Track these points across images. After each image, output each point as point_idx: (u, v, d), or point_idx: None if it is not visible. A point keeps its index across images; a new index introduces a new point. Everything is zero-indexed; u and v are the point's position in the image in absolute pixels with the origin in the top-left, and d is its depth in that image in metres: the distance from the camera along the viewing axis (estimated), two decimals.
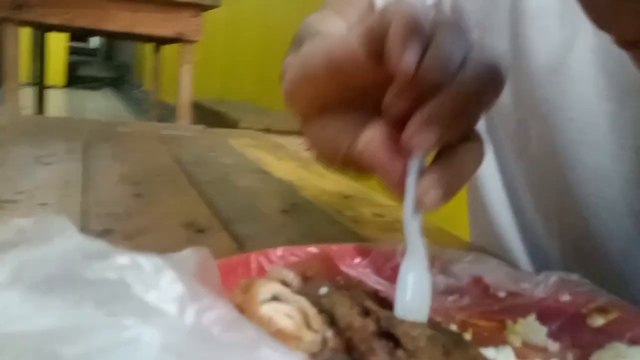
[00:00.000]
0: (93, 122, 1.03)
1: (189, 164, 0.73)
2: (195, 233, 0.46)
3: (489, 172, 0.47)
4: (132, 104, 6.30)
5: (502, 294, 0.31)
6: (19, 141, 0.78)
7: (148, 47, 2.62)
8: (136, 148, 0.85)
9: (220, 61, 4.15)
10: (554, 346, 0.28)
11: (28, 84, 3.04)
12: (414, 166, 0.27)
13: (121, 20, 1.59)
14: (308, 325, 0.22)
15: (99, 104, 6.48)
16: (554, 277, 0.31)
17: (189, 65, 1.69)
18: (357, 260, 0.34)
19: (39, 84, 2.51)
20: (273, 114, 2.55)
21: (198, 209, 0.53)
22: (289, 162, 0.83)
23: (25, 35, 2.38)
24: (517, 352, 0.27)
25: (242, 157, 0.84)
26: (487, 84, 0.27)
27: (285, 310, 0.22)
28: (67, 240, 0.18)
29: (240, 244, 0.44)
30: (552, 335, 0.28)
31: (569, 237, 0.41)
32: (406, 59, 0.25)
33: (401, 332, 0.23)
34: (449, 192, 0.27)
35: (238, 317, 0.17)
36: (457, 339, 0.24)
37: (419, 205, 0.28)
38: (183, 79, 1.69)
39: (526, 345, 0.28)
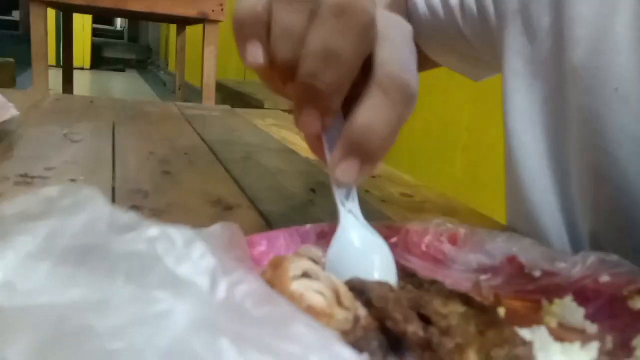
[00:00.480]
0: (120, 102, 1.04)
1: (215, 143, 0.73)
2: (223, 210, 0.46)
3: (535, 152, 0.46)
4: (158, 86, 6.34)
5: (537, 274, 0.30)
6: (49, 120, 0.79)
7: (173, 29, 2.63)
8: (163, 127, 0.85)
9: None
10: (592, 328, 0.27)
11: (55, 67, 3.08)
12: (328, 141, 0.29)
13: (144, 1, 1.59)
14: (339, 302, 0.22)
15: (125, 86, 6.55)
16: (592, 258, 0.30)
17: (213, 46, 1.68)
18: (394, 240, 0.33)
19: (66, 66, 2.54)
20: None
21: (226, 187, 0.53)
22: None
23: (51, 19, 2.40)
24: (554, 334, 0.26)
25: (268, 137, 0.84)
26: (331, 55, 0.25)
27: (316, 287, 0.22)
28: (97, 211, 0.18)
29: (268, 222, 0.44)
30: (590, 317, 0.27)
31: (605, 211, 0.40)
32: (248, 55, 0.27)
33: (432, 311, 0.23)
34: (363, 157, 0.27)
35: (270, 292, 0.17)
36: (492, 317, 0.23)
37: (339, 185, 0.29)
38: (208, 60, 1.68)
39: (563, 326, 0.27)
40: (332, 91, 0.26)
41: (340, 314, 0.21)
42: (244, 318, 0.16)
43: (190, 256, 0.17)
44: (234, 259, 0.22)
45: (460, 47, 0.55)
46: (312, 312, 0.21)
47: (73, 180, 0.50)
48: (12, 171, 0.50)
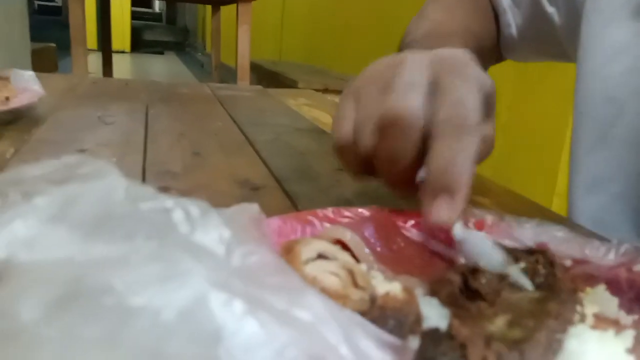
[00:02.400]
0: (154, 84, 1.05)
1: (245, 123, 0.74)
2: (250, 191, 0.46)
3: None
4: (195, 67, 6.41)
5: (568, 262, 0.29)
6: (84, 102, 0.81)
7: (209, 10, 2.64)
8: (195, 108, 0.86)
9: (274, 23, 4.13)
10: (626, 319, 0.25)
11: (95, 51, 3.15)
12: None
13: None
14: (354, 282, 0.21)
15: (163, 68, 6.65)
16: (626, 245, 0.29)
17: (246, 25, 1.68)
18: (412, 222, 0.33)
19: (105, 49, 2.59)
20: (331, 73, 2.53)
21: (253, 167, 0.53)
22: None
23: (90, 2, 2.45)
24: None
25: (298, 117, 0.83)
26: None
27: (330, 268, 0.22)
28: (114, 180, 0.18)
29: (294, 202, 0.44)
30: (624, 307, 0.26)
31: None
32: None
33: (479, 285, 0.23)
34: (449, 193, 0.29)
35: (282, 263, 0.17)
36: (543, 294, 0.23)
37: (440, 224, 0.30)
38: (241, 39, 1.69)
39: (595, 316, 0.26)
40: (406, 178, 0.32)
41: (355, 294, 0.21)
42: (257, 284, 0.16)
43: (205, 225, 0.18)
44: (252, 235, 0.22)
45: (537, 31, 0.57)
46: (327, 293, 0.21)
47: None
48: (46, 154, 0.51)
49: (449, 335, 0.19)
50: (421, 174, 0.32)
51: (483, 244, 0.28)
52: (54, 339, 0.13)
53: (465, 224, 0.32)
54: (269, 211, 0.37)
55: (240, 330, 0.14)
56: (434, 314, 0.23)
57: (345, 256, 0.24)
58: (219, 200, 0.46)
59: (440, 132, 0.29)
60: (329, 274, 0.22)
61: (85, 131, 0.62)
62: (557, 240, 0.30)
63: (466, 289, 0.24)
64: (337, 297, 0.21)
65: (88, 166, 0.19)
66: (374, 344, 0.16)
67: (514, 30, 0.59)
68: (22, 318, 0.13)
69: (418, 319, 0.21)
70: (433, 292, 0.24)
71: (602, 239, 0.30)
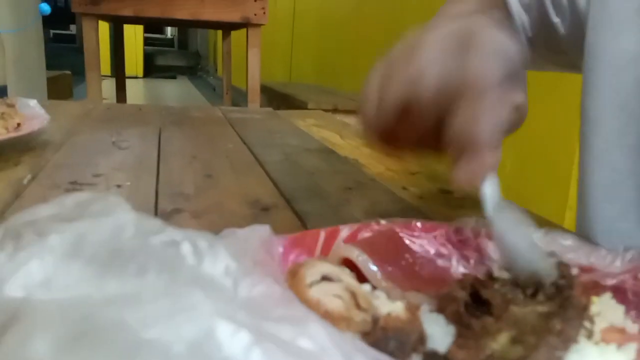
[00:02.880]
0: (167, 108, 1.08)
1: (255, 145, 0.75)
2: (260, 211, 0.47)
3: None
4: (208, 91, 6.49)
5: (574, 271, 0.29)
6: (98, 127, 0.83)
7: (219, 35, 2.69)
8: (206, 131, 0.87)
9: (284, 46, 4.19)
10: (633, 327, 0.25)
11: (109, 77, 3.22)
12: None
13: (189, 8, 1.64)
14: (357, 304, 0.22)
15: (176, 92, 6.73)
16: (632, 253, 0.29)
17: (256, 49, 1.71)
18: (420, 234, 0.33)
19: (119, 75, 2.64)
20: (340, 93, 2.55)
21: (263, 188, 0.54)
22: (354, 141, 0.83)
23: (104, 30, 2.50)
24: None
25: (307, 137, 0.85)
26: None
27: (334, 290, 0.22)
28: (125, 216, 0.19)
29: (304, 222, 0.45)
30: (631, 315, 0.26)
31: None
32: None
33: (490, 294, 0.23)
34: (472, 153, 0.30)
35: (286, 292, 0.18)
36: (551, 309, 0.23)
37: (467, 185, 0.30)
38: (251, 62, 1.71)
39: (603, 329, 0.26)
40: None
41: (358, 316, 0.21)
42: (262, 315, 0.16)
43: (212, 257, 0.18)
44: (259, 262, 0.22)
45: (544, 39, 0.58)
46: (329, 316, 0.21)
47: (119, 186, 0.52)
48: (62, 178, 0.53)
49: (445, 357, 0.20)
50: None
51: (515, 226, 0.28)
52: None
53: (476, 234, 0.32)
54: (278, 230, 0.37)
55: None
56: (439, 332, 0.23)
57: (348, 278, 0.24)
58: (230, 220, 0.47)
59: (465, 91, 0.30)
60: (333, 296, 0.22)
61: (100, 156, 0.63)
62: (564, 249, 0.31)
63: (475, 301, 0.24)
64: (340, 319, 0.21)
65: (98, 202, 0.20)
66: None
67: (523, 37, 0.60)
68: (35, 356, 0.14)
69: (421, 337, 0.21)
70: (439, 309, 0.24)
71: (608, 248, 0.31)
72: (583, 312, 0.24)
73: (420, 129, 0.33)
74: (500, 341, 0.20)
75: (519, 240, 0.27)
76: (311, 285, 0.23)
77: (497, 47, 0.32)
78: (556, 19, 0.55)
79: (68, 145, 0.68)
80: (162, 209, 0.46)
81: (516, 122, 0.32)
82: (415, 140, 0.35)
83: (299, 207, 0.48)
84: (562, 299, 0.24)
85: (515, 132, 0.35)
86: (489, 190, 0.29)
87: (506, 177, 1.52)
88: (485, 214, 0.29)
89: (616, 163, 0.48)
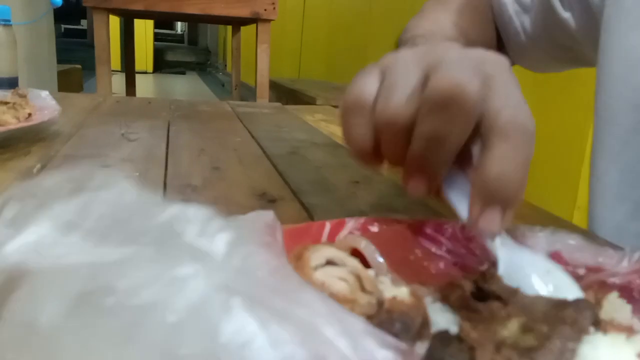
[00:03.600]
0: (176, 102, 1.08)
1: (263, 139, 0.75)
2: (267, 203, 0.47)
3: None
4: (217, 87, 6.51)
5: (581, 271, 0.29)
6: (108, 120, 0.83)
7: (229, 30, 2.70)
8: (215, 125, 0.88)
9: (293, 42, 4.19)
10: None
11: (119, 72, 3.23)
12: (454, 195, 0.30)
13: (199, 3, 1.64)
14: (362, 287, 0.22)
15: (185, 88, 6.75)
16: (639, 252, 0.29)
17: (266, 44, 1.72)
18: (431, 232, 0.33)
19: (129, 70, 2.65)
20: None
21: (271, 181, 0.55)
22: None
23: (114, 25, 2.51)
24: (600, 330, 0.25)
25: (315, 132, 0.85)
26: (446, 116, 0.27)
27: (338, 274, 0.22)
28: (124, 190, 0.19)
29: (311, 214, 0.45)
30: (638, 314, 0.26)
31: None
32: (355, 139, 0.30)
33: (495, 287, 0.23)
34: (502, 205, 0.28)
35: (282, 264, 0.18)
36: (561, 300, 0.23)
37: (487, 235, 0.29)
38: (261, 58, 1.72)
39: (608, 324, 0.26)
40: (441, 165, 0.29)
41: (363, 299, 0.22)
42: (257, 285, 0.16)
43: (208, 230, 0.18)
44: (263, 244, 0.22)
45: (548, 38, 0.58)
46: (335, 298, 0.21)
47: (127, 177, 0.52)
48: (71, 169, 0.53)
49: (459, 337, 0.20)
50: (451, 173, 0.30)
51: (526, 266, 0.27)
52: (73, 335, 0.14)
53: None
54: (285, 222, 0.37)
55: (240, 329, 0.14)
56: (443, 320, 0.23)
57: (353, 262, 0.24)
58: (237, 211, 0.46)
59: (502, 133, 0.27)
60: (338, 279, 0.22)
61: (109, 147, 0.64)
62: (571, 248, 0.30)
63: (478, 292, 0.24)
64: (345, 301, 0.21)
65: (100, 177, 0.20)
66: (380, 345, 0.16)
67: (522, 37, 0.59)
68: (42, 317, 0.14)
69: (426, 322, 0.21)
70: (443, 298, 0.24)
71: (615, 247, 0.30)
72: (594, 304, 0.24)
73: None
74: (510, 328, 0.20)
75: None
76: (316, 268, 0.23)
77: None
78: (566, 14, 0.55)
79: (77, 136, 0.68)
80: (170, 200, 0.46)
81: None
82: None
83: (306, 200, 0.48)
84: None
85: None
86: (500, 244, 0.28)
87: None
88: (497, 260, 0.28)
89: (629, 162, 0.47)
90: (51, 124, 0.69)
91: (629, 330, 0.25)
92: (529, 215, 0.50)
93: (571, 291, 0.26)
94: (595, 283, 0.28)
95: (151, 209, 0.18)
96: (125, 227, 0.17)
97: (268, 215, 0.26)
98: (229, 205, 0.47)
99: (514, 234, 0.32)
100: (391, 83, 0.28)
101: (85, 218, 0.17)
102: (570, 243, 0.31)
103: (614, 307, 0.26)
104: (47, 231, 0.16)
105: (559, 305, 0.22)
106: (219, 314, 0.14)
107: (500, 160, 0.27)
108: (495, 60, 0.30)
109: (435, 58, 0.28)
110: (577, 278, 0.29)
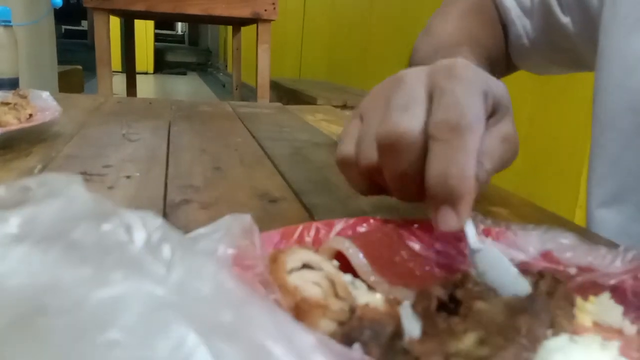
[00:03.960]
0: (177, 103, 1.08)
1: (264, 139, 0.75)
2: (268, 203, 0.47)
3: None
4: (217, 87, 6.51)
5: (572, 271, 0.29)
6: (109, 120, 0.83)
7: (230, 31, 2.70)
8: (216, 125, 0.88)
9: (294, 42, 4.19)
10: (631, 329, 0.25)
11: (119, 72, 3.23)
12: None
13: (200, 3, 1.64)
14: (336, 293, 0.22)
15: (186, 88, 6.75)
16: (632, 253, 0.28)
17: (266, 44, 1.72)
18: (420, 233, 0.32)
19: (129, 71, 2.66)
20: (350, 90, 2.55)
21: (272, 181, 0.55)
22: None
23: (115, 26, 2.52)
24: (587, 333, 0.24)
25: (316, 132, 0.85)
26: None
27: (313, 278, 0.22)
28: (70, 199, 0.18)
29: (312, 214, 0.45)
30: (629, 316, 0.25)
31: None
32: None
33: (463, 293, 0.23)
34: (451, 202, 0.29)
35: (229, 279, 0.17)
36: (518, 304, 0.23)
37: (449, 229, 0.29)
38: (261, 58, 1.72)
39: (598, 325, 0.25)
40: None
41: (335, 305, 0.21)
42: (199, 299, 0.16)
43: (154, 241, 0.18)
44: (240, 247, 0.22)
45: (551, 42, 0.58)
46: (307, 303, 0.21)
47: (128, 177, 0.52)
48: (72, 169, 0.53)
49: (404, 350, 0.19)
50: None
51: (497, 261, 0.27)
52: (10, 347, 0.13)
53: (479, 233, 0.32)
54: (287, 222, 0.37)
55: (180, 346, 0.14)
56: (418, 328, 0.22)
57: (329, 267, 0.24)
58: (238, 211, 0.46)
59: (435, 136, 0.28)
60: (312, 283, 0.22)
61: (110, 148, 0.64)
62: (563, 248, 0.30)
63: (451, 301, 0.24)
64: (317, 306, 0.21)
65: (46, 185, 0.19)
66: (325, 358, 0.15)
67: (525, 40, 0.59)
68: None
69: (398, 330, 0.21)
70: (414, 305, 0.24)
71: (610, 245, 0.30)
72: (550, 304, 0.23)
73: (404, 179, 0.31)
74: (466, 342, 0.20)
75: (500, 276, 0.27)
76: (291, 271, 0.22)
77: (480, 84, 0.30)
78: (565, 19, 0.55)
79: (79, 137, 0.68)
80: (171, 200, 0.46)
81: (508, 156, 0.31)
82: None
83: (307, 200, 0.48)
84: (532, 295, 0.24)
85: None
86: (468, 230, 0.29)
87: (517, 176, 1.51)
88: (468, 250, 0.29)
89: (630, 165, 0.47)
90: (52, 125, 0.69)
91: (618, 333, 0.25)
92: (530, 215, 0.50)
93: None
94: (587, 283, 0.28)
95: (98, 217, 0.18)
96: (70, 237, 0.17)
97: (245, 219, 0.26)
98: (230, 205, 0.46)
99: (506, 233, 0.32)
100: (361, 135, 0.33)
101: (27, 233, 0.16)
102: (562, 242, 0.30)
103: (605, 308, 0.26)
104: None
105: (515, 311, 0.21)
106: (158, 332, 0.14)
107: (434, 162, 0.28)
108: (447, 65, 0.31)
109: (389, 99, 0.31)
110: (568, 277, 0.28)
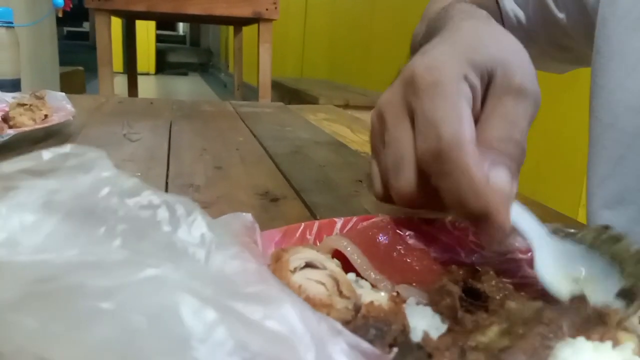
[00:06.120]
0: (178, 102, 1.08)
1: (265, 138, 0.75)
2: (269, 202, 0.47)
3: None
4: (219, 88, 6.51)
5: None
6: (110, 120, 0.83)
7: (231, 31, 2.69)
8: (218, 125, 0.87)
9: (296, 42, 4.19)
10: None
11: (121, 73, 3.23)
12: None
13: (201, 3, 1.64)
14: (340, 292, 0.22)
15: (187, 89, 6.76)
16: (635, 247, 0.28)
17: (267, 44, 1.71)
18: (414, 227, 0.32)
19: (131, 71, 2.65)
20: (352, 89, 2.55)
21: (273, 179, 0.54)
22: (365, 135, 0.82)
23: (116, 27, 2.52)
24: None
25: (318, 131, 0.84)
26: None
27: (317, 277, 0.22)
28: (102, 173, 0.18)
29: (313, 213, 0.45)
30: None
31: None
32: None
33: (486, 287, 0.22)
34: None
35: (263, 271, 0.17)
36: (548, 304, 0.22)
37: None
38: (263, 58, 1.71)
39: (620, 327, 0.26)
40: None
41: (339, 303, 0.21)
42: (233, 293, 0.16)
43: (188, 226, 0.17)
44: (236, 242, 0.22)
45: (547, 39, 0.57)
46: (311, 302, 0.21)
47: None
48: None
49: (419, 345, 0.19)
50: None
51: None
52: (27, 323, 0.13)
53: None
54: (288, 221, 0.37)
55: (209, 337, 0.14)
56: (424, 324, 0.22)
57: (333, 265, 0.24)
58: (239, 210, 0.46)
59: (428, 171, 0.28)
60: (315, 282, 0.22)
61: (111, 147, 0.63)
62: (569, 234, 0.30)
63: (467, 294, 0.24)
64: (321, 305, 0.21)
65: (76, 157, 0.18)
66: (347, 355, 0.15)
67: (520, 33, 0.59)
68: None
69: (404, 329, 0.21)
70: (432, 303, 0.24)
71: None
72: (580, 307, 0.23)
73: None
74: (488, 334, 0.20)
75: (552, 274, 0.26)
76: (294, 270, 0.22)
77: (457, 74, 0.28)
78: (560, 15, 0.54)
79: (80, 137, 0.68)
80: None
81: (530, 107, 0.29)
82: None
83: (309, 199, 0.48)
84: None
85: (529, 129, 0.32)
86: (521, 221, 0.28)
87: (520, 174, 1.50)
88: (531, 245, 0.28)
89: (633, 166, 0.46)
90: (66, 126, 0.69)
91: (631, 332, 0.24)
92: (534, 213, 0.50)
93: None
94: None
95: (129, 198, 0.17)
96: (100, 217, 0.16)
97: (246, 217, 0.26)
98: (231, 204, 0.46)
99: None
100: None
101: (56, 206, 0.16)
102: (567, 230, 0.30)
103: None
104: (19, 222, 0.15)
105: (543, 309, 0.21)
106: (190, 323, 0.14)
107: (444, 195, 0.27)
108: (408, 84, 0.29)
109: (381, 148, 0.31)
110: None
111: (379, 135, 0.32)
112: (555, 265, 0.26)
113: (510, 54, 0.30)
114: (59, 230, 0.15)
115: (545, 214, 0.49)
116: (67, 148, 0.18)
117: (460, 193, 0.26)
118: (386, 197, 0.32)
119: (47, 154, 0.18)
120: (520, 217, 0.27)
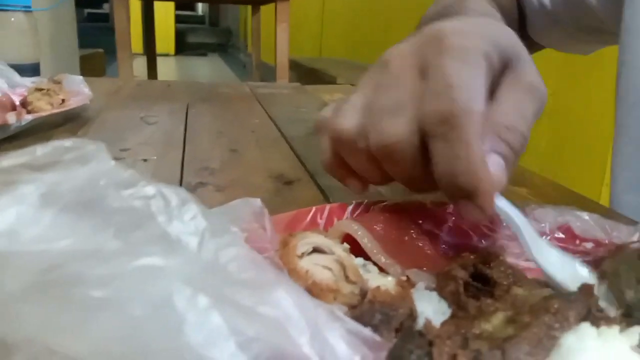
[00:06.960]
0: (195, 85, 1.08)
1: (281, 120, 0.75)
2: (283, 185, 0.47)
3: None
4: (238, 68, 6.50)
5: (589, 245, 0.29)
6: (128, 104, 0.84)
7: (249, 10, 2.68)
8: (234, 107, 0.88)
9: (314, 20, 4.15)
10: None
11: (140, 55, 3.25)
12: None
13: None
14: (346, 277, 0.22)
15: (206, 70, 6.77)
16: None
17: (285, 24, 1.70)
18: (432, 211, 0.32)
19: (150, 53, 2.67)
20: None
21: (287, 162, 0.54)
22: None
23: (135, 8, 2.52)
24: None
25: None
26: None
27: (324, 262, 0.22)
28: (100, 166, 0.18)
29: (327, 196, 0.45)
30: None
31: None
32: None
33: (495, 272, 0.22)
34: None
35: (257, 257, 0.17)
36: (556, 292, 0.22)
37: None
38: (280, 37, 1.71)
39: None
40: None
41: (346, 288, 0.21)
42: (226, 280, 0.16)
43: (182, 216, 0.18)
44: (250, 231, 0.22)
45: (575, 21, 0.56)
46: (317, 287, 0.21)
47: (145, 160, 0.53)
48: None
49: (420, 333, 0.19)
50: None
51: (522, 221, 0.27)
52: (36, 313, 0.14)
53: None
54: (302, 204, 0.37)
55: (203, 324, 0.14)
56: (431, 310, 0.22)
57: (340, 250, 0.24)
58: (253, 193, 0.46)
59: (429, 132, 0.26)
60: (322, 267, 0.22)
61: (128, 131, 0.64)
62: (580, 222, 0.30)
63: (476, 280, 0.24)
64: (328, 290, 0.21)
65: (75, 151, 0.19)
66: (345, 341, 0.15)
67: (542, 16, 0.57)
68: (5, 289, 0.14)
69: (411, 314, 0.21)
70: (438, 288, 0.24)
71: (631, 223, 0.30)
72: (589, 297, 0.22)
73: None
74: (493, 322, 0.19)
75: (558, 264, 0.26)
76: (302, 255, 0.22)
77: (475, 49, 0.27)
78: None
79: (98, 121, 0.69)
80: (187, 182, 0.47)
81: (537, 103, 0.28)
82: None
83: (323, 182, 0.48)
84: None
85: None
86: (507, 208, 0.27)
87: (542, 155, 1.48)
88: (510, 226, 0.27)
89: None
90: (84, 110, 0.70)
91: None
92: (551, 194, 0.49)
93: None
94: (601, 258, 0.27)
95: (125, 189, 0.18)
96: (99, 207, 0.17)
97: (255, 203, 0.26)
98: (245, 188, 0.47)
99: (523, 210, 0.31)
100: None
101: (57, 198, 0.16)
102: (579, 216, 0.30)
103: None
104: (18, 214, 0.16)
105: (550, 297, 0.21)
106: (183, 309, 0.14)
107: (437, 161, 0.26)
108: (431, 41, 0.28)
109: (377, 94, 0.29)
110: (585, 252, 0.28)
111: (371, 82, 0.30)
112: (550, 251, 0.26)
113: (525, 52, 0.29)
114: (58, 222, 0.16)
115: (563, 196, 0.49)
116: (66, 142, 0.19)
117: (456, 163, 0.25)
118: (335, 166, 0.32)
119: (45, 148, 0.18)
120: (508, 208, 0.27)
